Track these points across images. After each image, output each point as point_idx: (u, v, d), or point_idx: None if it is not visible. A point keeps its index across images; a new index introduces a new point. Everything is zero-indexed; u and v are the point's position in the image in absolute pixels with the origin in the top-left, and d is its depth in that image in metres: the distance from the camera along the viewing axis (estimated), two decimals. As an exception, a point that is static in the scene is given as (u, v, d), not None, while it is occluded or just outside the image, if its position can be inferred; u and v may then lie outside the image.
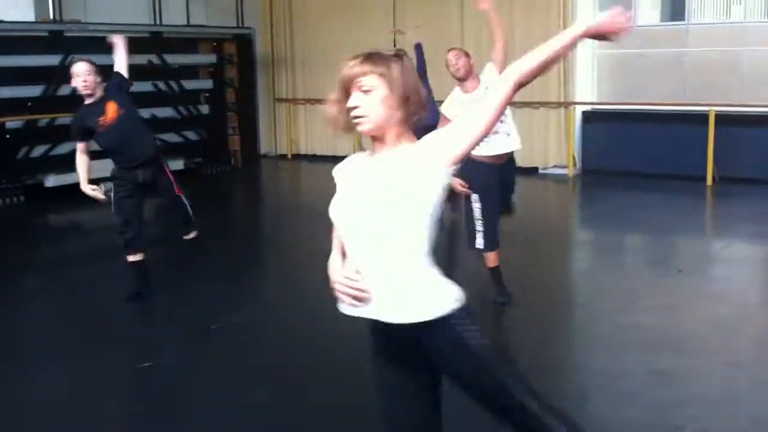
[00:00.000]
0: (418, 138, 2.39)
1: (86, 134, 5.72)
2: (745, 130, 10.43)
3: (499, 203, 5.60)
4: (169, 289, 6.27)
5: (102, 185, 5.89)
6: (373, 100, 2.35)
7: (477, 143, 2.38)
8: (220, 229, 8.96)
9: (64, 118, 10.35)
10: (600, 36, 2.36)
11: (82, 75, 5.67)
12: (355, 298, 2.32)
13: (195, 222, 6.19)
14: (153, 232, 7.39)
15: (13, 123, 10.04)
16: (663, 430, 3.73)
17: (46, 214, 9.79)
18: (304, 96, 13.78)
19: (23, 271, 7.13)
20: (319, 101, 14.52)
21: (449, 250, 6.40)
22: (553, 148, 11.58)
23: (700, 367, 4.52)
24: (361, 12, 12.84)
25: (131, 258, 5.81)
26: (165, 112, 11.73)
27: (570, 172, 11.34)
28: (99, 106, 5.69)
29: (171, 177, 5.99)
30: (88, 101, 5.73)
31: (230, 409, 4.03)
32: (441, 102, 5.88)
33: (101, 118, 5.66)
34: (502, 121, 5.30)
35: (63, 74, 10.42)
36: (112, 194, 5.71)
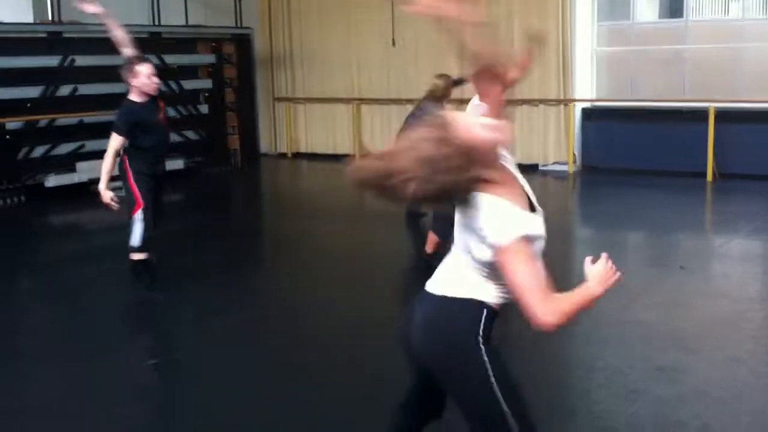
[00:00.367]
0: None
1: (133, 131, 5.69)
2: (745, 126, 10.44)
3: None
4: (170, 288, 6.27)
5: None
6: None
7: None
8: (221, 228, 8.96)
9: (64, 119, 10.39)
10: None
11: (153, 74, 5.74)
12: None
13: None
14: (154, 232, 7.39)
15: (13, 123, 10.04)
16: (666, 426, 3.74)
17: (47, 214, 9.79)
18: (303, 95, 13.78)
19: (24, 271, 7.13)
20: (319, 100, 14.66)
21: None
22: (553, 145, 11.59)
23: (702, 363, 4.53)
24: (359, 11, 12.84)
25: (143, 257, 5.80)
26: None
27: (570, 168, 11.35)
28: (154, 104, 5.81)
29: None
30: (139, 99, 5.73)
31: (235, 405, 4.04)
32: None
33: (159, 115, 5.84)
34: None
35: (62, 75, 10.50)
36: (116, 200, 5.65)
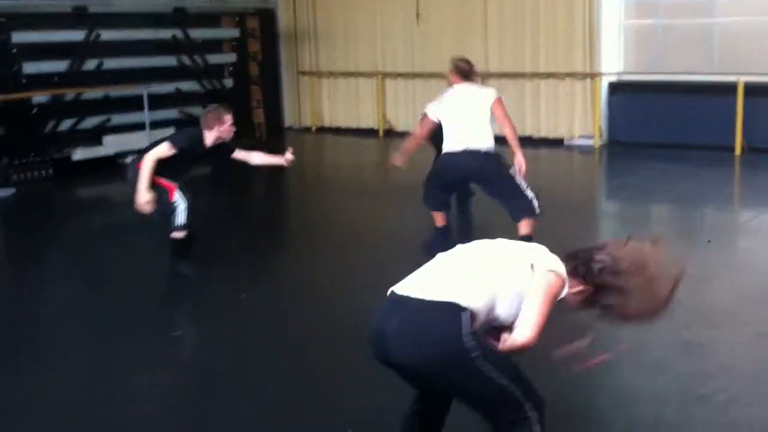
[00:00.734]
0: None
1: (183, 154, 5.75)
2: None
3: None
4: (194, 263, 6.32)
5: None
6: None
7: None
8: (245, 203, 9.01)
9: (90, 93, 10.46)
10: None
11: (232, 123, 6.06)
12: None
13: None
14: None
15: (39, 98, 10.10)
16: (690, 400, 3.73)
17: (74, 187, 9.88)
18: (327, 69, 13.75)
19: (51, 244, 7.21)
20: (343, 74, 14.57)
21: None
22: (579, 120, 11.49)
23: (727, 338, 4.51)
24: (384, -16, 12.77)
25: (185, 234, 5.83)
26: (189, 85, 11.77)
27: (596, 143, 11.26)
28: (218, 148, 6.06)
29: None
30: (210, 142, 5.94)
31: (259, 378, 4.07)
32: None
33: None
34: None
35: (87, 49, 10.54)
36: None
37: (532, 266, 2.61)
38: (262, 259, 6.51)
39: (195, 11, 12.10)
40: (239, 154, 6.30)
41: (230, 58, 12.69)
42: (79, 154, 10.32)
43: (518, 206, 5.95)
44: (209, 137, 5.91)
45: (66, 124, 10.40)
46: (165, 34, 11.39)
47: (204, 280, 5.92)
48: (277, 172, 11.59)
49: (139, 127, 10.54)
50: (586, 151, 11.17)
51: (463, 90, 6.10)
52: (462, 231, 6.68)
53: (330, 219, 7.79)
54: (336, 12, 13.40)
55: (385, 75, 13.03)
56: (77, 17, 10.55)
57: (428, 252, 3.07)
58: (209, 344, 4.67)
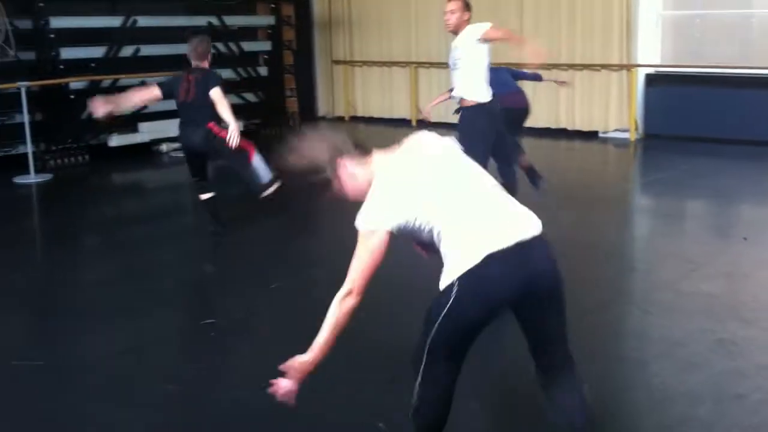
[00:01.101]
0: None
1: None
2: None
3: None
4: (227, 250, 6.38)
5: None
6: None
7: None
8: (279, 191, 9.03)
9: (127, 79, 10.53)
10: None
11: None
12: None
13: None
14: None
15: (76, 84, 10.21)
16: (725, 399, 3.69)
17: (110, 173, 9.99)
18: (361, 58, 13.74)
19: (87, 229, 7.30)
20: (377, 63, 14.55)
21: None
22: (615, 112, 11.36)
23: (763, 336, 4.44)
24: (420, -27, 12.71)
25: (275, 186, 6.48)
26: (224, 73, 11.75)
27: (631, 136, 11.14)
28: None
29: None
30: None
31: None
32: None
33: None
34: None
35: (124, 36, 10.63)
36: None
37: None
38: (293, 246, 6.53)
39: (231, -2, 12.15)
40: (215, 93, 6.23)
41: (265, 45, 12.73)
42: (115, 140, 10.43)
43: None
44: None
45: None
46: (201, 21, 11.44)
47: (234, 265, 5.97)
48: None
49: (173, 114, 10.59)
50: (620, 144, 11.06)
51: None
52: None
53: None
54: (370, 0, 13.38)
55: (419, 64, 12.99)
56: (114, 3, 10.65)
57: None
58: (242, 333, 4.69)
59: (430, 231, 2.67)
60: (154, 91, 6.38)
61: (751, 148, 10.03)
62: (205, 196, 6.57)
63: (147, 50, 10.77)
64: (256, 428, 3.54)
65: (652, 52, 11.30)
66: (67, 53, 10.05)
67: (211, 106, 6.15)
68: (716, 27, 11.12)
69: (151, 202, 8.66)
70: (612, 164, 10.62)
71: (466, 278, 2.55)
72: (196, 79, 6.26)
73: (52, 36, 9.94)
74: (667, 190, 8.43)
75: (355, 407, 3.69)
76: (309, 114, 13.83)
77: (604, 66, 11.27)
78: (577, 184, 8.38)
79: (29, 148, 9.02)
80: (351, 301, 2.78)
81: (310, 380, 3.90)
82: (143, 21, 10.72)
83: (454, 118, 6.13)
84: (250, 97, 12.30)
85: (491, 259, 2.54)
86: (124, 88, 10.54)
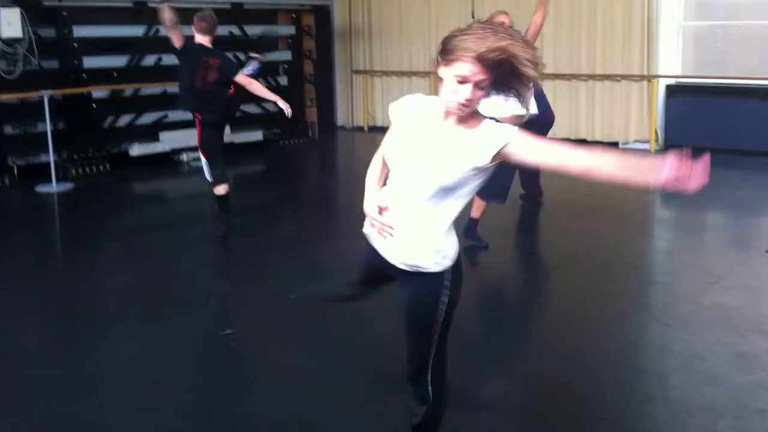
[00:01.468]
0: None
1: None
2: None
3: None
4: (247, 258, 6.39)
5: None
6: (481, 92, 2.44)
7: (523, 164, 2.56)
8: (297, 200, 9.07)
9: (149, 88, 10.61)
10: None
11: None
12: (381, 231, 2.69)
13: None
14: (233, 202, 7.52)
15: (99, 92, 10.29)
16: (745, 414, 3.65)
17: (130, 182, 10.05)
18: (380, 68, 13.77)
19: (107, 238, 7.35)
20: (396, 73, 14.55)
21: None
22: (635, 122, 11.32)
23: (786, 351, 4.40)
24: (440, -17, 12.73)
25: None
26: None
27: (652, 147, 11.08)
28: None
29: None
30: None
31: (307, 379, 4.09)
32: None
33: None
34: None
35: (147, 45, 10.71)
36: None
37: None
38: (313, 257, 6.53)
39: (252, 7, 12.22)
40: (241, 78, 6.79)
41: (285, 55, 12.78)
42: (136, 149, 10.49)
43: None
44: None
45: (124, 120, 10.58)
46: (222, 30, 11.47)
47: (253, 274, 5.98)
48: (328, 170, 11.69)
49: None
50: (641, 154, 10.99)
51: None
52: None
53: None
54: (391, 10, 13.41)
55: (439, 75, 12.98)
56: (137, 12, 10.73)
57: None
58: (260, 343, 4.70)
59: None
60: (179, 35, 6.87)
61: (771, 159, 9.96)
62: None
63: (169, 59, 10.83)
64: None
65: (673, 62, 11.24)
66: (90, 62, 10.14)
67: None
68: (738, 37, 11.06)
69: (170, 211, 8.70)
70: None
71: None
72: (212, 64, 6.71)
73: (75, 45, 10.03)
74: (687, 201, 8.32)
75: (381, 420, 3.69)
76: (328, 124, 13.87)
77: (624, 76, 11.22)
78: (597, 195, 8.33)
79: (51, 157, 9.09)
80: None
81: (328, 392, 3.92)
82: (165, 30, 10.75)
83: None
84: (270, 106, 12.33)
85: None
86: (146, 98, 10.73)
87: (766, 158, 10.01)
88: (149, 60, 10.70)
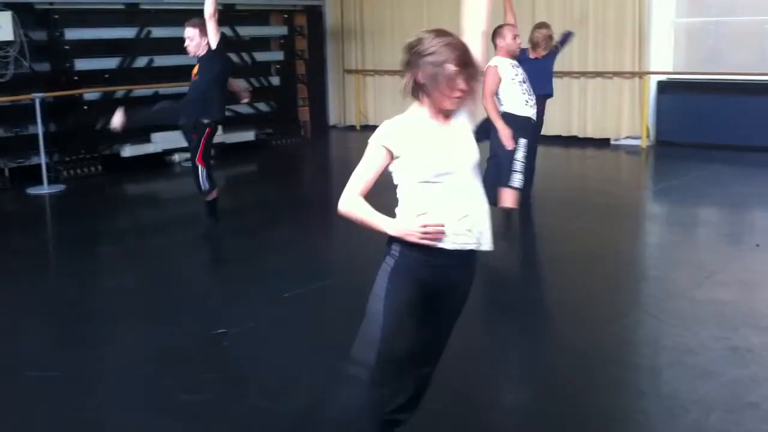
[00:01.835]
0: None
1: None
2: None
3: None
4: (241, 259, 6.39)
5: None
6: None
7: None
8: (291, 200, 9.07)
9: (140, 90, 10.59)
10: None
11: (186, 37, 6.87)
12: (437, 235, 2.73)
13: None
14: (227, 203, 7.53)
15: (90, 94, 10.27)
16: (738, 408, 3.66)
17: (122, 183, 10.04)
18: (373, 67, 13.77)
19: (101, 239, 7.34)
20: (388, 72, 14.56)
21: None
22: (627, 119, 11.35)
23: (778, 344, 4.42)
24: (432, -18, 12.74)
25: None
26: (237, 83, 11.85)
27: (643, 143, 11.10)
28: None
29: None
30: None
31: (303, 377, 4.09)
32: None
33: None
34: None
35: (138, 46, 10.70)
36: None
37: None
38: (307, 255, 6.54)
39: (244, 8, 12.20)
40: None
41: (278, 55, 12.78)
42: (128, 150, 10.47)
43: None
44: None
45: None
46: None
47: (247, 274, 5.98)
48: (322, 170, 11.69)
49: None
50: (632, 151, 11.03)
51: None
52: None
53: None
54: (383, 9, 13.42)
55: (431, 73, 12.98)
56: (129, 14, 10.72)
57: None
58: (256, 343, 4.69)
59: None
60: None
61: (764, 155, 9.99)
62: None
63: (161, 61, 10.83)
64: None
65: (665, 59, 11.27)
66: (82, 64, 10.11)
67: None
68: (730, 34, 11.09)
69: (164, 212, 8.69)
70: (624, 172, 10.59)
71: None
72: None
73: (67, 47, 10.01)
74: (679, 197, 8.39)
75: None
76: (320, 123, 13.87)
77: (616, 73, 11.25)
78: (589, 191, 8.36)
79: (43, 159, 9.07)
80: None
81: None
82: (157, 32, 10.78)
83: None
84: (262, 106, 12.34)
85: None
86: (137, 99, 10.71)
87: (758, 154, 10.04)
88: (141, 62, 10.69)
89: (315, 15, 13.58)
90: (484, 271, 5.93)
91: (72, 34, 10.01)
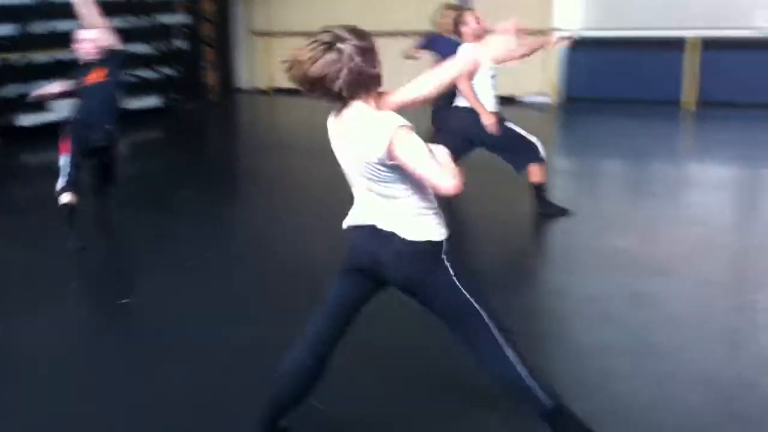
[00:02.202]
0: None
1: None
2: (728, 54, 10.38)
3: None
4: (147, 227, 6.26)
5: None
6: None
7: None
8: (198, 165, 8.92)
9: (39, 57, 10.20)
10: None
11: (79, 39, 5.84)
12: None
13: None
14: (131, 170, 7.35)
15: (-15, 62, 9.85)
16: (641, 350, 3.78)
17: (20, 153, 9.68)
18: (281, 29, 13.58)
19: None
20: (297, 34, 14.32)
21: None
22: (535, 77, 11.49)
23: (675, 289, 4.58)
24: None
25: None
26: (141, 48, 11.55)
27: (552, 100, 11.29)
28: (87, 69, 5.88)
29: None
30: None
31: (208, 346, 4.03)
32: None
33: (86, 79, 5.86)
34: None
35: (37, 12, 10.27)
36: None
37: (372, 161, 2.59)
38: (212, 220, 6.45)
39: (145, -30, 11.85)
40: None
41: (182, 18, 12.45)
42: (27, 120, 10.10)
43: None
44: None
45: (13, 90, 10.15)
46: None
47: (152, 242, 5.86)
48: (230, 134, 11.52)
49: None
50: (541, 108, 11.21)
51: None
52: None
53: (282, 179, 7.74)
54: (289, -30, 13.22)
55: (340, 34, 12.87)
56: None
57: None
58: (157, 311, 4.61)
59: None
60: None
61: (666, 108, 10.30)
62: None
63: (61, 26, 10.42)
64: (188, 408, 3.49)
65: (571, 16, 11.43)
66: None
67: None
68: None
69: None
70: (532, 128, 10.66)
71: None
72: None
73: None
74: (584, 151, 8.59)
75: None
76: (228, 87, 13.65)
77: (523, 30, 11.34)
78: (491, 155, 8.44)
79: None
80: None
81: (232, 365, 3.84)
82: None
83: None
84: (168, 71, 12.05)
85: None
86: (36, 66, 10.31)
87: (661, 107, 10.34)
88: (40, 27, 10.29)
89: (220, -24, 13.30)
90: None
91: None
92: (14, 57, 10.10)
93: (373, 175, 2.62)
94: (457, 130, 5.90)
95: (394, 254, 2.68)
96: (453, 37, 6.27)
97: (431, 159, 2.55)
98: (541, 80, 11.43)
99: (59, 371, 3.79)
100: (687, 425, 3.14)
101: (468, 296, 2.71)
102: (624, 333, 3.99)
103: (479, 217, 6.20)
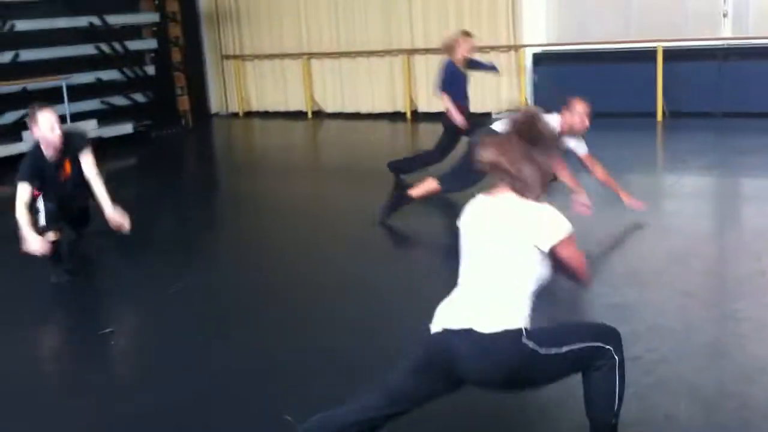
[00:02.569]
0: None
1: (35, 183, 5.38)
2: (693, 64, 10.51)
3: None
4: (124, 256, 6.21)
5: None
6: None
7: None
8: (175, 191, 8.87)
9: (6, 87, 10.11)
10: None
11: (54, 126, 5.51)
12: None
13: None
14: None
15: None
16: (621, 362, 3.79)
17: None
18: (251, 52, 13.58)
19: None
20: (268, 56, 14.36)
21: None
22: (506, 93, 11.58)
23: (655, 299, 4.61)
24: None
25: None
26: (110, 74, 11.50)
27: (522, 115, 11.36)
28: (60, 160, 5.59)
29: None
30: (47, 152, 5.49)
31: (193, 372, 4.02)
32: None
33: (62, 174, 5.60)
34: None
35: (2, 41, 10.19)
36: None
37: (537, 248, 2.84)
38: (191, 246, 6.42)
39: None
40: (86, 168, 5.57)
41: (151, 43, 12.41)
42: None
43: None
44: (43, 145, 5.37)
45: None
46: (82, 21, 11.08)
47: (132, 272, 5.82)
48: (206, 159, 11.47)
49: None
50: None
51: None
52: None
53: (261, 201, 7.72)
54: (258, -8, 13.24)
55: (311, 55, 12.92)
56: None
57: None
58: (140, 339, 4.58)
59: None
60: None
61: (636, 120, 10.40)
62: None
63: (27, 55, 10.38)
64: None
65: (538, 31, 11.55)
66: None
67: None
68: (597, 5, 11.44)
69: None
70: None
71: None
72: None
73: None
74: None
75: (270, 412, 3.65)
76: (201, 112, 13.60)
77: (492, 48, 11.44)
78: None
79: None
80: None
81: (212, 386, 3.84)
82: (22, 25, 10.33)
83: None
84: (139, 97, 12.00)
85: None
86: (4, 96, 10.21)
87: (631, 119, 10.44)
88: (6, 57, 10.22)
89: (188, 0, 13.26)
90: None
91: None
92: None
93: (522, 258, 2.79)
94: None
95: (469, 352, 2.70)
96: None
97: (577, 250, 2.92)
98: (512, 96, 11.51)
99: (35, 397, 3.74)
100: (671, 437, 3.15)
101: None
102: (604, 345, 3.98)
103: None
